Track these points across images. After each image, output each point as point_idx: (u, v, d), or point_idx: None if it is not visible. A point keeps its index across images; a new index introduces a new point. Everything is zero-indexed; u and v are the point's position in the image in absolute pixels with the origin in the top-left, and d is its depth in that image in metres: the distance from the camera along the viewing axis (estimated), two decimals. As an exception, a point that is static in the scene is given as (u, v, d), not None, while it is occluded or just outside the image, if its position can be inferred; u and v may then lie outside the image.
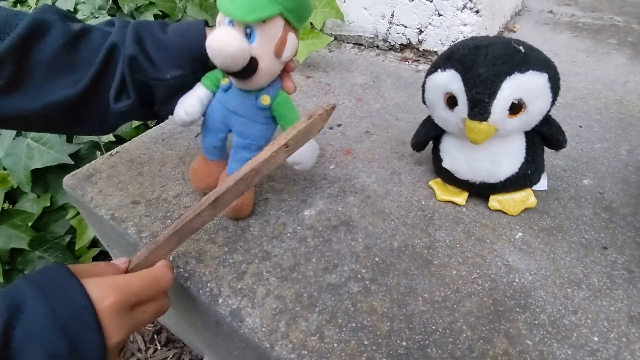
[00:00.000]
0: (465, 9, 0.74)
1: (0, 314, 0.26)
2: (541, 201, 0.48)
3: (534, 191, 0.47)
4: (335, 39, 0.93)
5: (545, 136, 0.43)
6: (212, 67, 0.42)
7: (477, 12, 0.74)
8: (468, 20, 0.75)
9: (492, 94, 0.37)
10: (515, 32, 0.92)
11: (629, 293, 0.38)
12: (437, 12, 0.77)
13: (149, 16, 0.97)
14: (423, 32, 0.81)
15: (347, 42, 0.92)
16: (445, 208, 0.48)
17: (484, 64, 0.37)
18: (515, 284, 0.40)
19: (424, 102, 0.45)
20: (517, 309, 0.37)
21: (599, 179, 0.51)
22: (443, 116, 0.43)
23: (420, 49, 0.83)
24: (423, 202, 0.49)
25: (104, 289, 0.30)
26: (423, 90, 0.44)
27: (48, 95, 0.37)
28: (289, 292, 0.40)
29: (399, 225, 0.46)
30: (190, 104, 0.42)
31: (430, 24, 0.79)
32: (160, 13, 1.00)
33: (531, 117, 0.40)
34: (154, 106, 0.43)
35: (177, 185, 0.53)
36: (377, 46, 0.89)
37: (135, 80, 0.40)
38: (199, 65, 0.41)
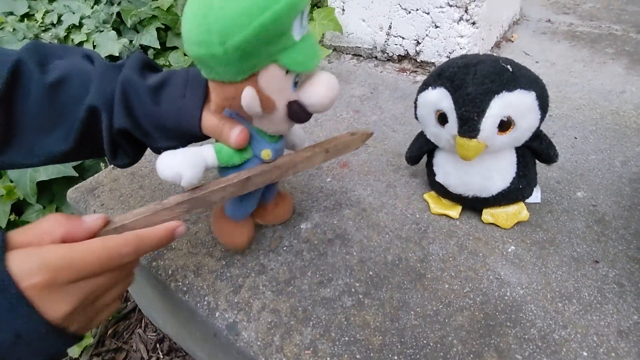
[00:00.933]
0: (462, 21, 0.75)
1: None
2: (534, 214, 0.48)
3: (528, 204, 0.48)
4: (335, 50, 0.95)
5: (536, 151, 0.44)
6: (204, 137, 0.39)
7: (474, 23, 0.75)
8: (464, 32, 0.76)
9: (481, 112, 0.38)
10: (513, 41, 0.93)
11: (619, 307, 0.39)
12: (434, 24, 0.78)
13: (151, 29, 0.99)
14: (420, 43, 0.82)
15: (346, 54, 0.94)
16: (439, 221, 0.49)
17: (473, 83, 0.38)
18: (506, 298, 0.40)
19: (416, 117, 0.46)
20: (508, 323, 0.38)
21: (593, 191, 0.52)
22: (434, 132, 0.44)
23: (418, 60, 0.84)
24: (417, 215, 0.50)
25: (30, 265, 0.26)
26: (415, 107, 0.45)
27: (44, 150, 0.37)
28: (284, 306, 0.40)
29: (394, 239, 0.47)
30: (194, 175, 0.35)
31: (427, 35, 0.80)
32: (163, 26, 1.02)
33: (520, 133, 0.40)
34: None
35: (177, 198, 0.54)
36: (376, 57, 0.90)
37: (131, 145, 0.39)
38: (190, 139, 0.40)
